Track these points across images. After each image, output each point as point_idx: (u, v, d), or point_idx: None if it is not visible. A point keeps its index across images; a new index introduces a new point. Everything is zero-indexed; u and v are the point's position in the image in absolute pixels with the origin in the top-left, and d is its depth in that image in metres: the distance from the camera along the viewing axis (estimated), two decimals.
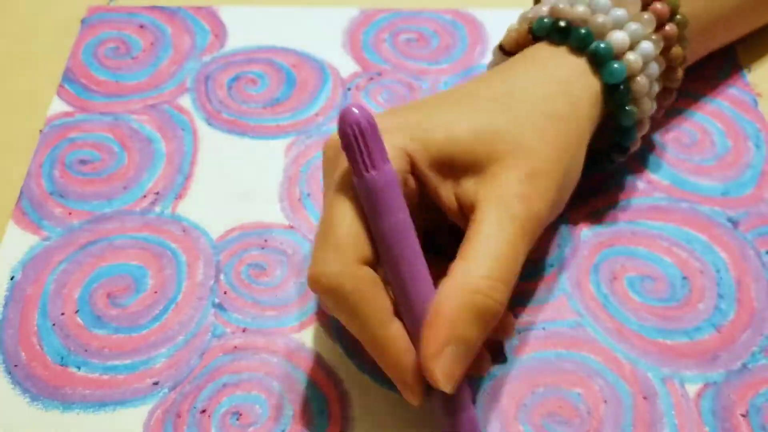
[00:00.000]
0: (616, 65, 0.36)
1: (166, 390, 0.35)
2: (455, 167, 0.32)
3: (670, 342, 0.36)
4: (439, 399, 0.30)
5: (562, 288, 0.38)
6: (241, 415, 0.34)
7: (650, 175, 0.43)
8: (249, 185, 0.42)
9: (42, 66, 0.48)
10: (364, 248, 0.30)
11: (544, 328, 0.37)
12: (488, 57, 0.48)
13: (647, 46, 0.36)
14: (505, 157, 0.32)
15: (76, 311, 0.38)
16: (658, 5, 0.37)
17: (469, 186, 0.32)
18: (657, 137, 0.44)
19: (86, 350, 0.36)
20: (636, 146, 0.39)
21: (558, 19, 0.37)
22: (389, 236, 0.29)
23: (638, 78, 0.36)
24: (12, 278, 0.39)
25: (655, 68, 0.37)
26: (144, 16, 0.51)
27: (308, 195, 0.42)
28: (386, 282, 0.30)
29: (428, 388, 0.30)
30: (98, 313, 0.37)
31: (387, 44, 0.49)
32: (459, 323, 0.28)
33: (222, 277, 0.39)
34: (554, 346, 0.36)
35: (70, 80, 0.47)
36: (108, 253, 0.40)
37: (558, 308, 0.37)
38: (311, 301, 0.38)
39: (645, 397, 0.35)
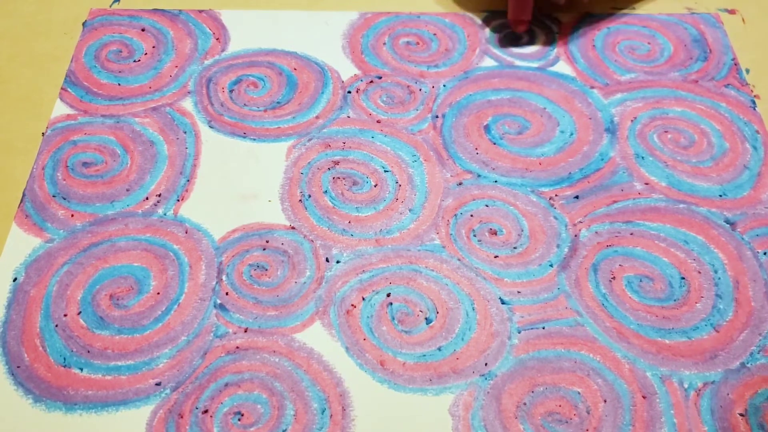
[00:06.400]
0: None
1: (168, 390, 0.35)
2: None
3: (668, 341, 0.37)
4: None
5: (562, 288, 0.38)
6: (242, 414, 0.35)
7: (648, 177, 0.43)
8: (250, 187, 0.43)
9: (44, 69, 0.48)
10: None
11: (543, 328, 0.37)
12: (487, 60, 0.49)
13: None
14: None
15: (79, 312, 0.38)
16: None
17: None
18: (655, 138, 0.45)
19: (89, 351, 0.37)
20: None
21: None
22: None
23: None
24: (15, 280, 0.39)
25: None
26: (146, 20, 0.51)
27: (309, 196, 0.42)
28: None
29: None
30: (101, 314, 0.38)
31: (387, 47, 0.49)
32: None
33: (224, 277, 0.39)
34: (554, 346, 0.37)
35: (73, 83, 0.47)
36: (110, 254, 0.40)
37: (557, 308, 0.38)
38: (312, 301, 0.38)
39: (644, 396, 0.35)
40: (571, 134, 0.45)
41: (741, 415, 0.34)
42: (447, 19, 0.51)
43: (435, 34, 0.50)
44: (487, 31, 0.50)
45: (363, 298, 0.38)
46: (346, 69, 0.48)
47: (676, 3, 0.52)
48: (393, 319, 0.37)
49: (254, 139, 0.45)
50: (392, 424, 0.34)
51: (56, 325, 0.37)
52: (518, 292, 0.38)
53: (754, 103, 0.46)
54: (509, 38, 0.49)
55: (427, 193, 0.42)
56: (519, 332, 0.37)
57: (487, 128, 0.45)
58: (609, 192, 0.42)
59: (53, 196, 0.42)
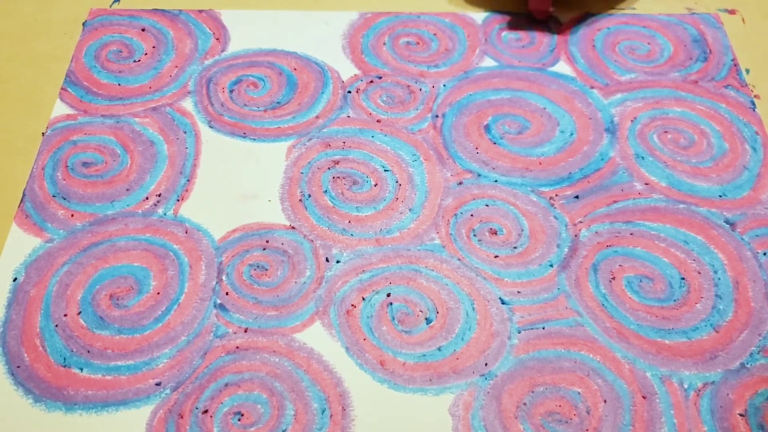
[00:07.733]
0: None
1: (168, 390, 0.35)
2: None
3: (668, 342, 0.37)
4: None
5: (562, 288, 0.39)
6: (242, 415, 0.35)
7: (648, 177, 0.43)
8: (250, 187, 0.43)
9: (44, 69, 0.48)
10: None
11: (543, 328, 0.37)
12: (486, 60, 0.49)
13: None
14: None
15: (79, 312, 0.38)
16: None
17: None
18: (655, 138, 0.45)
19: (89, 351, 0.37)
20: None
21: None
22: None
23: None
24: (15, 280, 0.39)
25: None
26: (146, 20, 0.51)
27: (309, 196, 0.42)
28: None
29: None
30: (101, 314, 0.38)
31: (387, 47, 0.49)
32: None
33: (224, 277, 0.39)
34: (554, 346, 0.37)
35: (73, 83, 0.47)
36: (110, 254, 0.40)
37: (557, 308, 0.38)
38: (312, 301, 0.38)
39: (644, 397, 0.35)
40: (571, 134, 0.45)
41: (741, 415, 0.34)
42: (447, 19, 0.51)
43: (435, 34, 0.50)
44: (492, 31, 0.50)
45: (363, 298, 0.38)
46: (346, 69, 0.48)
47: (676, 3, 0.52)
48: (393, 319, 0.37)
49: (254, 139, 0.45)
50: (392, 424, 0.34)
51: (56, 325, 0.37)
52: (518, 292, 0.38)
53: (753, 104, 0.46)
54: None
55: (427, 193, 0.42)
56: (519, 332, 0.37)
57: (487, 128, 0.45)
58: (609, 192, 0.42)
59: (53, 196, 0.42)
